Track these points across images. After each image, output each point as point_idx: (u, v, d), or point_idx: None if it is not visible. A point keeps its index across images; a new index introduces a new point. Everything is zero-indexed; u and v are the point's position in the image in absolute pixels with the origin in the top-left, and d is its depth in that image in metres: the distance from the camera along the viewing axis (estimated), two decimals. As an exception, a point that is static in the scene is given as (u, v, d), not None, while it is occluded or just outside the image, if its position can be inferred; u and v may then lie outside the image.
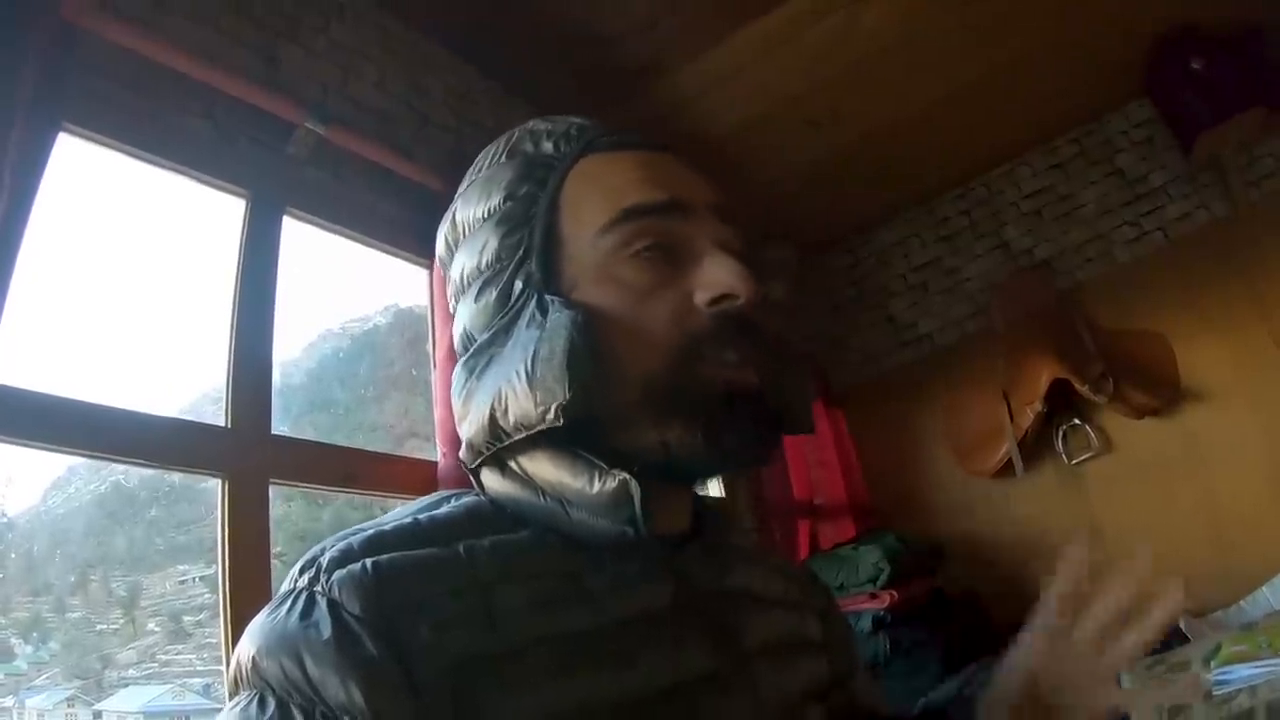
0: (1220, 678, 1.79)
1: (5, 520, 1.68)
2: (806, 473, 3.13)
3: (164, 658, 1.84)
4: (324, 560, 0.51)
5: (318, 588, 0.49)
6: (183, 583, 1.92)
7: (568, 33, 2.26)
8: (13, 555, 1.78)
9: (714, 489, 2.81)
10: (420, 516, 0.57)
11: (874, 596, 2.50)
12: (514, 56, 2.30)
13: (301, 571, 0.51)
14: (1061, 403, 2.89)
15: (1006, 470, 3.00)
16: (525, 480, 0.60)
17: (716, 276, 0.59)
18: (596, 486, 0.55)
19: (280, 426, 1.58)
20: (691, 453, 0.56)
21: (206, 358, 1.52)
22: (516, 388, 0.56)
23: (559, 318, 0.56)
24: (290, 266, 1.67)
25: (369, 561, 0.50)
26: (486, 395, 0.59)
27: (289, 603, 0.49)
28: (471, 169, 0.69)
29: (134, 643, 1.84)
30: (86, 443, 1.26)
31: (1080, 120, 3.18)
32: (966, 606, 2.77)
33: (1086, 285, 3.09)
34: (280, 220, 1.68)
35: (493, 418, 0.58)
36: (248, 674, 0.49)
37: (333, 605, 0.48)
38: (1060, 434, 2.96)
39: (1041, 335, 2.97)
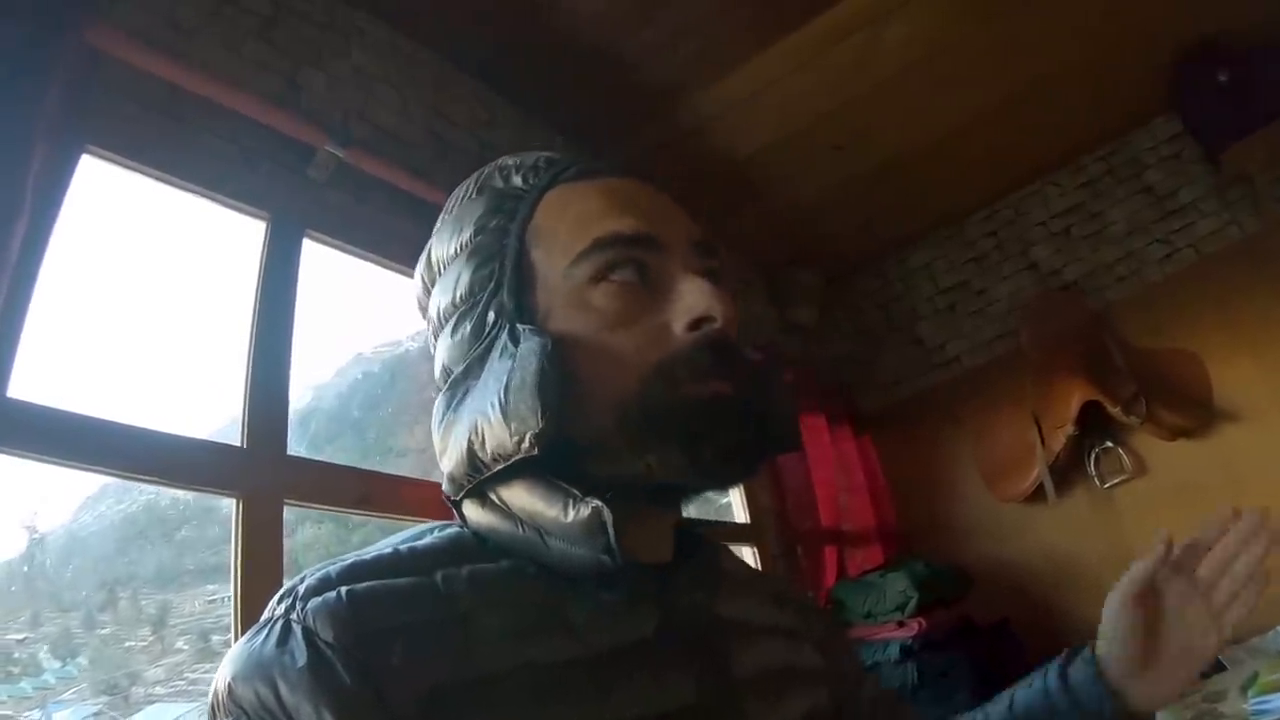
0: (1258, 707, 1.75)
1: (37, 537, 1.69)
2: (834, 498, 3.09)
3: (191, 676, 1.85)
4: (301, 589, 0.51)
5: (293, 615, 0.50)
6: (212, 602, 1.93)
7: (589, 56, 2.28)
8: (44, 571, 1.79)
9: (739, 516, 2.79)
10: (401, 547, 0.57)
11: (901, 625, 2.46)
12: (535, 80, 2.32)
13: (279, 600, 0.52)
14: (1093, 425, 2.83)
15: (1038, 495, 2.94)
16: (504, 511, 0.59)
17: (691, 300, 0.58)
18: (571, 515, 0.55)
19: (299, 447, 1.58)
20: (674, 471, 0.56)
21: (229, 380, 1.53)
22: (491, 418, 0.56)
23: (529, 345, 0.56)
24: (323, 291, 1.69)
25: (344, 590, 0.50)
26: (464, 428, 0.59)
27: (266, 630, 0.50)
28: (445, 208, 0.70)
29: (162, 660, 1.84)
30: (100, 460, 1.26)
31: (1108, 137, 3.16)
32: (998, 634, 2.71)
33: (1117, 305, 3.05)
34: (300, 242, 1.69)
35: (471, 450, 0.58)
36: (224, 700, 0.49)
37: (307, 633, 0.48)
38: (1092, 457, 2.91)
39: (1072, 356, 2.92)
